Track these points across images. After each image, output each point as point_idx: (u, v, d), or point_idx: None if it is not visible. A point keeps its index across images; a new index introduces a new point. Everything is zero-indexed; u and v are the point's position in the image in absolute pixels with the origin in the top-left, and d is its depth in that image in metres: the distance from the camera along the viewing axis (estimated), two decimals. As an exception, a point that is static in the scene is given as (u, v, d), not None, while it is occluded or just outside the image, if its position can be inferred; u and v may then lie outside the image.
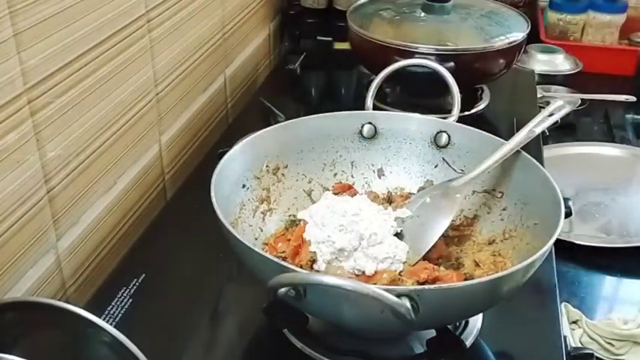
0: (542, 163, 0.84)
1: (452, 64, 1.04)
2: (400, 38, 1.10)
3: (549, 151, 1.29)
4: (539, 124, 0.77)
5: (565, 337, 0.72)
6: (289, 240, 0.72)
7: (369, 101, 0.92)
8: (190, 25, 1.00)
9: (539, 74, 1.55)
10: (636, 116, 1.57)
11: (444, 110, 0.97)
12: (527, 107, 1.21)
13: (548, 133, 1.45)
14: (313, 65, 1.33)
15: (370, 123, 0.83)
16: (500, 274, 0.61)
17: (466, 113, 1.09)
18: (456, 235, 0.77)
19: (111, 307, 0.73)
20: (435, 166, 0.82)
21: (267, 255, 0.61)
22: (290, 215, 0.78)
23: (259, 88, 1.28)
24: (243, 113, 1.17)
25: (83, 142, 0.77)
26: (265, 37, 1.38)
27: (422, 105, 1.05)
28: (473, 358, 0.70)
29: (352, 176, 0.83)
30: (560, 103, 0.79)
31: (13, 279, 0.69)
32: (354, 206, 0.70)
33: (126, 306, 0.73)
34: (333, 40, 1.37)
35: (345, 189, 0.80)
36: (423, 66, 0.99)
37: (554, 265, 0.80)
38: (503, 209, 0.76)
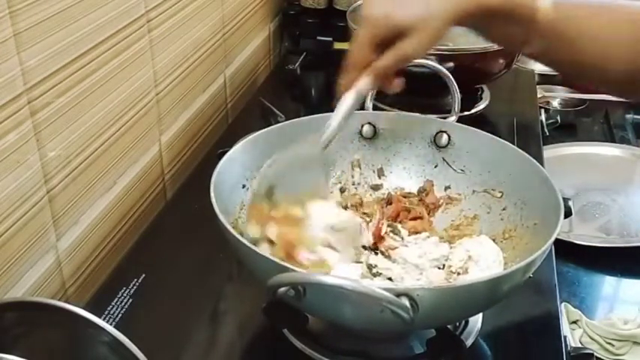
0: (542, 163, 0.84)
1: (452, 64, 1.04)
2: (400, 38, 1.10)
3: (549, 151, 1.29)
4: None
5: (565, 337, 0.72)
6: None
7: (369, 101, 0.92)
8: (190, 25, 1.00)
9: (539, 74, 1.55)
10: (636, 116, 1.57)
11: (444, 110, 0.97)
12: (527, 107, 1.21)
13: (548, 133, 1.45)
14: (313, 65, 1.33)
15: (370, 123, 0.83)
16: (500, 273, 0.61)
17: (466, 113, 1.09)
18: (455, 235, 0.77)
19: (111, 307, 0.73)
20: (435, 166, 0.82)
21: (267, 255, 0.61)
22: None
23: (259, 88, 1.28)
24: (243, 113, 1.17)
25: (83, 142, 0.77)
26: (265, 37, 1.38)
27: (422, 105, 1.05)
28: (473, 358, 0.70)
29: (352, 176, 0.83)
30: None
31: (13, 279, 0.69)
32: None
33: (126, 306, 0.73)
34: (333, 40, 1.37)
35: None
36: (423, 66, 0.99)
37: (554, 265, 0.80)
38: (503, 209, 0.76)
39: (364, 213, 0.80)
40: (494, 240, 0.75)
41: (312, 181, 0.71)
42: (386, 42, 0.64)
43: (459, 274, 0.68)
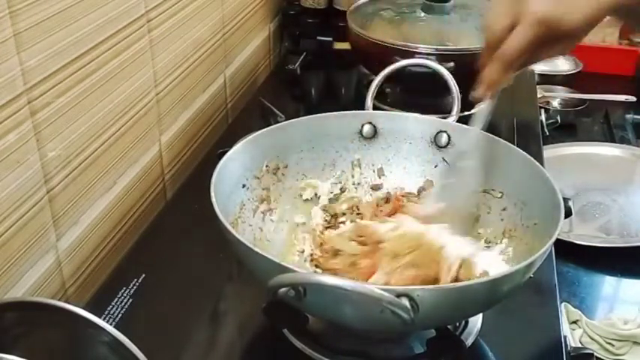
0: (542, 163, 0.84)
1: (452, 64, 1.04)
2: (400, 38, 1.10)
3: (549, 151, 1.30)
4: None
5: (565, 337, 0.72)
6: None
7: (369, 101, 0.92)
8: (190, 25, 1.00)
9: (539, 74, 1.55)
10: (636, 116, 1.57)
11: (444, 110, 0.97)
12: (527, 107, 1.21)
13: (548, 133, 1.45)
14: (313, 65, 1.33)
15: (370, 123, 0.83)
16: (500, 274, 0.61)
17: (466, 113, 1.08)
18: (455, 234, 0.77)
19: (111, 307, 0.73)
20: (435, 166, 0.82)
21: (267, 255, 0.61)
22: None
23: (259, 88, 1.28)
24: (243, 113, 1.17)
25: (83, 142, 0.77)
26: (265, 37, 1.38)
27: (422, 105, 1.05)
28: (473, 358, 0.70)
29: (352, 176, 0.83)
30: None
31: (13, 279, 0.69)
32: None
33: (126, 306, 0.73)
34: (333, 40, 1.37)
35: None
36: (423, 66, 0.99)
37: (554, 265, 0.80)
38: (503, 209, 0.76)
39: (358, 214, 0.80)
40: (494, 239, 0.75)
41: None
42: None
43: None
